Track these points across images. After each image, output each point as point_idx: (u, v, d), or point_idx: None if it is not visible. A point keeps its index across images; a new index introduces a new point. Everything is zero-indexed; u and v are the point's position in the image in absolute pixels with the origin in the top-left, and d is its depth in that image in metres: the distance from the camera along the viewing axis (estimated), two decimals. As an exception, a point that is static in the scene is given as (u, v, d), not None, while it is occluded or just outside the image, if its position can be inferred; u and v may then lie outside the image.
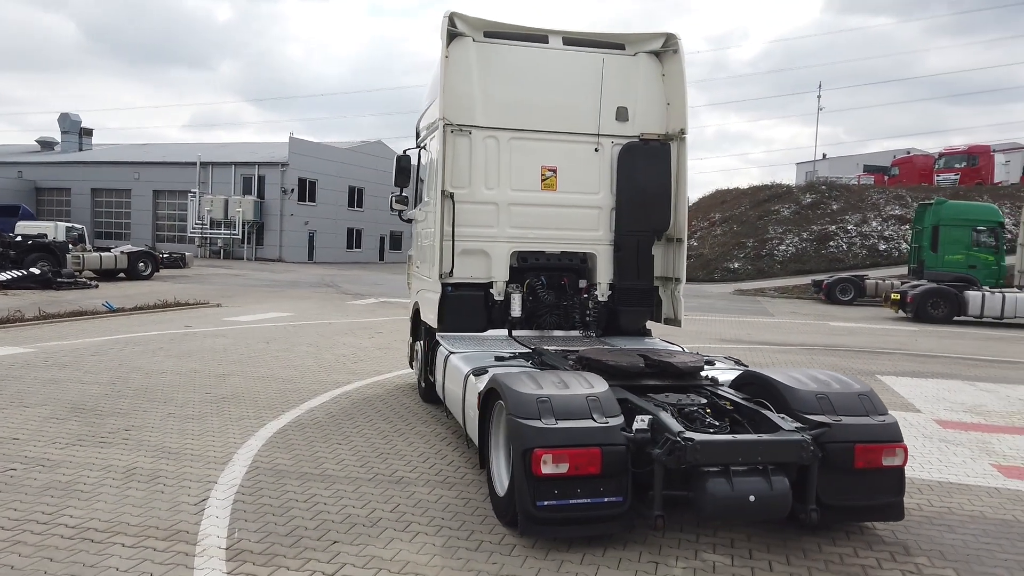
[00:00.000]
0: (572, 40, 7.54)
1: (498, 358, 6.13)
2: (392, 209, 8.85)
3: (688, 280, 7.71)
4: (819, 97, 65.58)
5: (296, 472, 5.51)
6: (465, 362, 6.15)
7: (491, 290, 7.42)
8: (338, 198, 53.01)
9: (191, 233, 49.48)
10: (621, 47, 7.63)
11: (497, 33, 7.38)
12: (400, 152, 8.62)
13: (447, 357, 6.56)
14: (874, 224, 40.58)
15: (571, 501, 4.16)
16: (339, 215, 53.20)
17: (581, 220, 7.58)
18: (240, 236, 48.39)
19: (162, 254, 31.51)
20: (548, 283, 7.58)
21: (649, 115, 7.61)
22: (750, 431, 4.54)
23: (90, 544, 4.14)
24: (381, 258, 57.46)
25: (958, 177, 49.50)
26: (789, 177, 63.60)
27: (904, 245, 38.17)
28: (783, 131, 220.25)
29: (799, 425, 4.46)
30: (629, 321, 7.70)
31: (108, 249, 28.34)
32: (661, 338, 7.74)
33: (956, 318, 20.81)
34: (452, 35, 7.13)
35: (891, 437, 4.55)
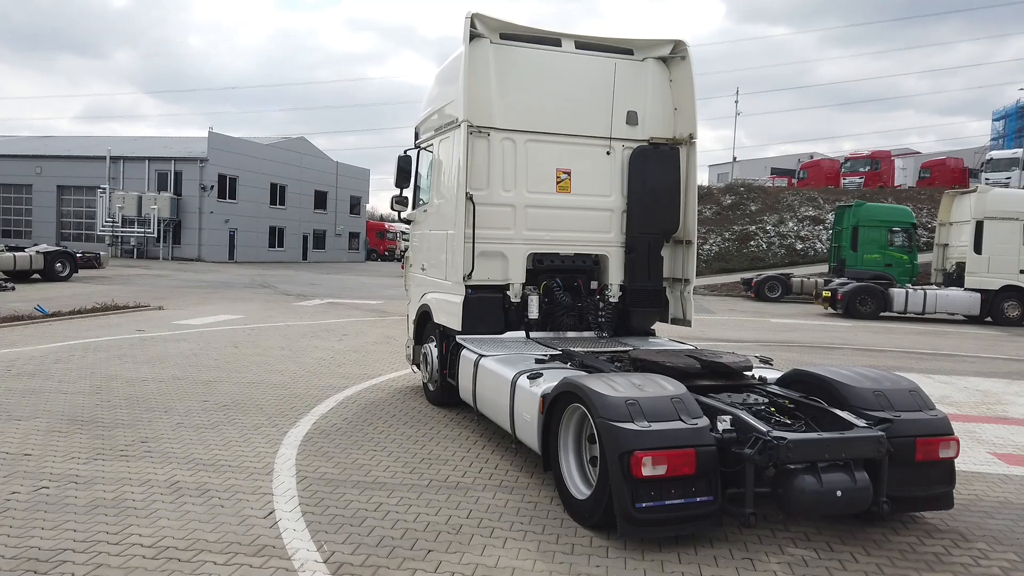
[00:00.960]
0: (584, 44, 7.63)
1: (538, 361, 6.15)
2: (392, 209, 8.74)
3: None
4: (736, 102, 67.81)
5: (349, 481, 5.38)
6: (504, 365, 6.14)
7: (507, 292, 7.43)
8: (259, 195, 51.44)
9: (101, 231, 46.95)
10: (630, 52, 7.76)
11: (512, 35, 7.39)
12: (401, 152, 8.52)
13: (478, 361, 6.52)
14: (791, 224, 42.40)
15: (667, 502, 4.24)
16: (260, 213, 51.62)
17: (594, 222, 7.68)
18: (156, 235, 46.29)
19: (77, 253, 29.77)
20: (562, 285, 7.64)
21: (658, 119, 7.77)
22: (816, 429, 4.72)
23: (178, 563, 3.94)
24: (304, 257, 56.10)
25: (863, 180, 52.43)
26: (702, 178, 65.80)
27: (819, 244, 40.14)
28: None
29: (867, 422, 4.67)
30: (640, 321, 7.85)
31: (21, 248, 26.58)
32: (670, 338, 7.93)
33: (882, 314, 22.05)
34: (471, 36, 7.09)
35: (945, 430, 4.82)
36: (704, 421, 4.42)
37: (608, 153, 7.66)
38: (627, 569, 4.09)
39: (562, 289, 7.59)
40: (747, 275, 31.44)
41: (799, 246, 40.35)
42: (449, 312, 7.30)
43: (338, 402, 7.98)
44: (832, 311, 22.95)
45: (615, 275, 7.75)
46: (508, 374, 5.85)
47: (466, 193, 7.01)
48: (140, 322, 14.68)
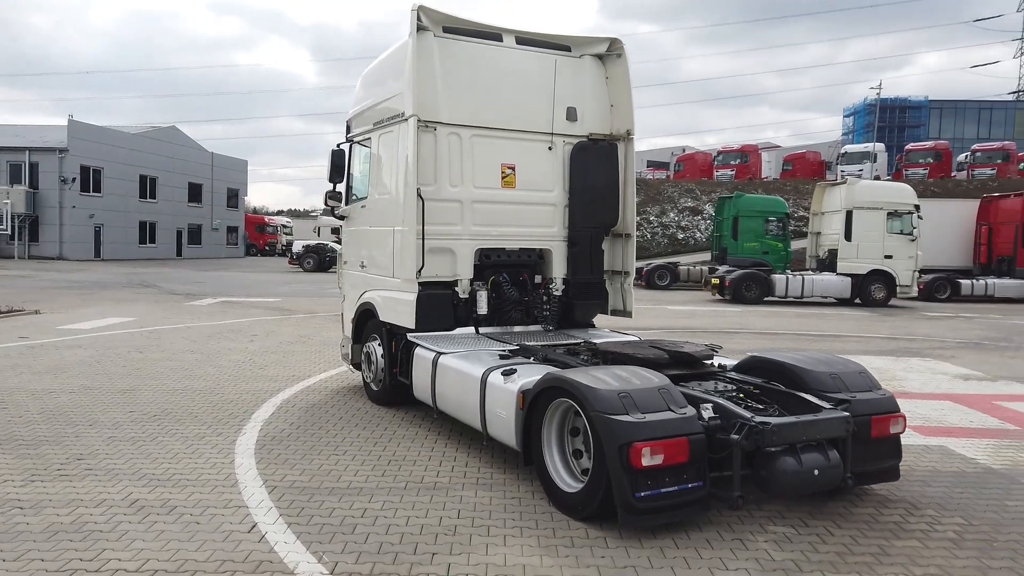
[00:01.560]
0: (523, 39, 7.66)
1: (502, 357, 6.17)
2: (325, 204, 8.47)
3: None
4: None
5: (322, 488, 5.21)
6: (468, 362, 6.12)
7: (456, 288, 7.38)
8: (127, 188, 48.38)
9: (-56, 229, 42.76)
10: (567, 49, 7.86)
11: (455, 29, 7.32)
12: (334, 147, 8.29)
13: (436, 359, 6.45)
14: (672, 215, 44.23)
15: (662, 490, 4.37)
16: (129, 207, 48.56)
17: (538, 217, 7.75)
18: (9, 232, 42.61)
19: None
20: (509, 279, 7.67)
21: (596, 116, 7.92)
22: (785, 412, 4.99)
23: (175, 587, 3.71)
24: (179, 254, 53.24)
25: (734, 172, 55.33)
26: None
27: (699, 234, 42.10)
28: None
29: (830, 404, 4.99)
30: (583, 314, 8.01)
31: None
32: (610, 329, 8.14)
33: (766, 298, 23.42)
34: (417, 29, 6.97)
35: (894, 408, 5.23)
36: (691, 410, 4.58)
37: (550, 148, 7.74)
38: (631, 557, 4.19)
39: (509, 284, 7.62)
40: (636, 264, 32.48)
41: (680, 236, 42.16)
42: (399, 310, 7.17)
43: (277, 407, 7.67)
44: (720, 297, 24.14)
45: (559, 269, 7.86)
46: (476, 371, 5.83)
47: (418, 189, 6.90)
48: (20, 328, 13.51)
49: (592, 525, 4.60)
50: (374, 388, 7.84)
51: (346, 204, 8.49)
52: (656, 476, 4.35)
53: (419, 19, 6.94)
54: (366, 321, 8.03)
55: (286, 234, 67.86)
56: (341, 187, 8.41)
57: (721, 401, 4.80)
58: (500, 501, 5.04)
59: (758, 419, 4.51)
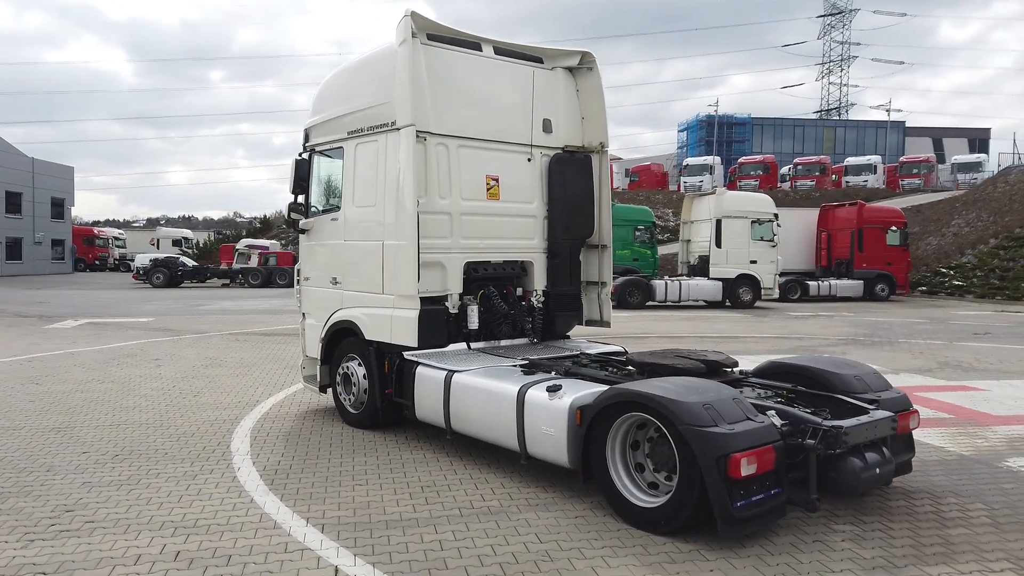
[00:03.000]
0: (501, 50, 7.57)
1: (526, 372, 6.03)
2: (289, 218, 7.93)
3: None
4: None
5: (377, 521, 4.85)
6: (493, 380, 5.94)
7: (446, 303, 7.13)
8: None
9: None
10: (540, 60, 7.85)
11: (437, 36, 7.11)
12: (297, 156, 7.82)
13: (449, 378, 6.21)
14: (534, 224, 45.05)
15: (753, 499, 4.45)
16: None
17: (520, 229, 7.66)
18: None
19: None
20: (495, 292, 7.52)
21: (570, 128, 7.95)
22: (828, 415, 5.22)
23: (306, 649, 3.31)
24: (-6, 270, 47.66)
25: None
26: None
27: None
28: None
29: (870, 405, 5.27)
30: (563, 325, 8.01)
31: None
32: (587, 338, 8.20)
33: (647, 303, 24.44)
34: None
35: (910, 405, 5.61)
36: (765, 418, 4.70)
37: (529, 160, 7.68)
38: (737, 569, 4.22)
39: (498, 297, 7.46)
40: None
41: (545, 244, 43.04)
42: (394, 328, 6.81)
43: (251, 438, 7.05)
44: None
45: (539, 280, 7.80)
46: (510, 389, 5.65)
47: (417, 201, 6.60)
48: None
49: (676, 539, 4.59)
50: (352, 411, 7.41)
51: (308, 217, 7.98)
52: (748, 485, 4.42)
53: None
54: (339, 340, 7.58)
55: (118, 247, 62.77)
56: (303, 199, 7.91)
57: (785, 408, 4.96)
58: (567, 521, 4.92)
59: (828, 423, 4.69)
